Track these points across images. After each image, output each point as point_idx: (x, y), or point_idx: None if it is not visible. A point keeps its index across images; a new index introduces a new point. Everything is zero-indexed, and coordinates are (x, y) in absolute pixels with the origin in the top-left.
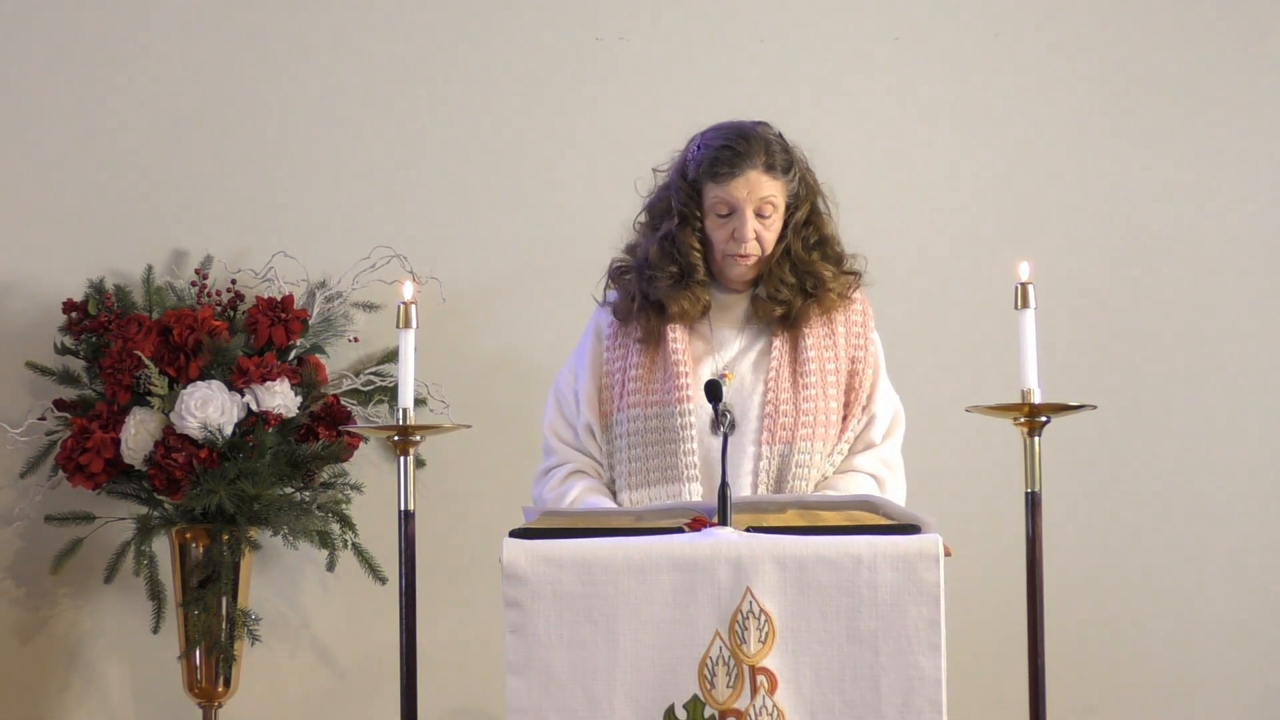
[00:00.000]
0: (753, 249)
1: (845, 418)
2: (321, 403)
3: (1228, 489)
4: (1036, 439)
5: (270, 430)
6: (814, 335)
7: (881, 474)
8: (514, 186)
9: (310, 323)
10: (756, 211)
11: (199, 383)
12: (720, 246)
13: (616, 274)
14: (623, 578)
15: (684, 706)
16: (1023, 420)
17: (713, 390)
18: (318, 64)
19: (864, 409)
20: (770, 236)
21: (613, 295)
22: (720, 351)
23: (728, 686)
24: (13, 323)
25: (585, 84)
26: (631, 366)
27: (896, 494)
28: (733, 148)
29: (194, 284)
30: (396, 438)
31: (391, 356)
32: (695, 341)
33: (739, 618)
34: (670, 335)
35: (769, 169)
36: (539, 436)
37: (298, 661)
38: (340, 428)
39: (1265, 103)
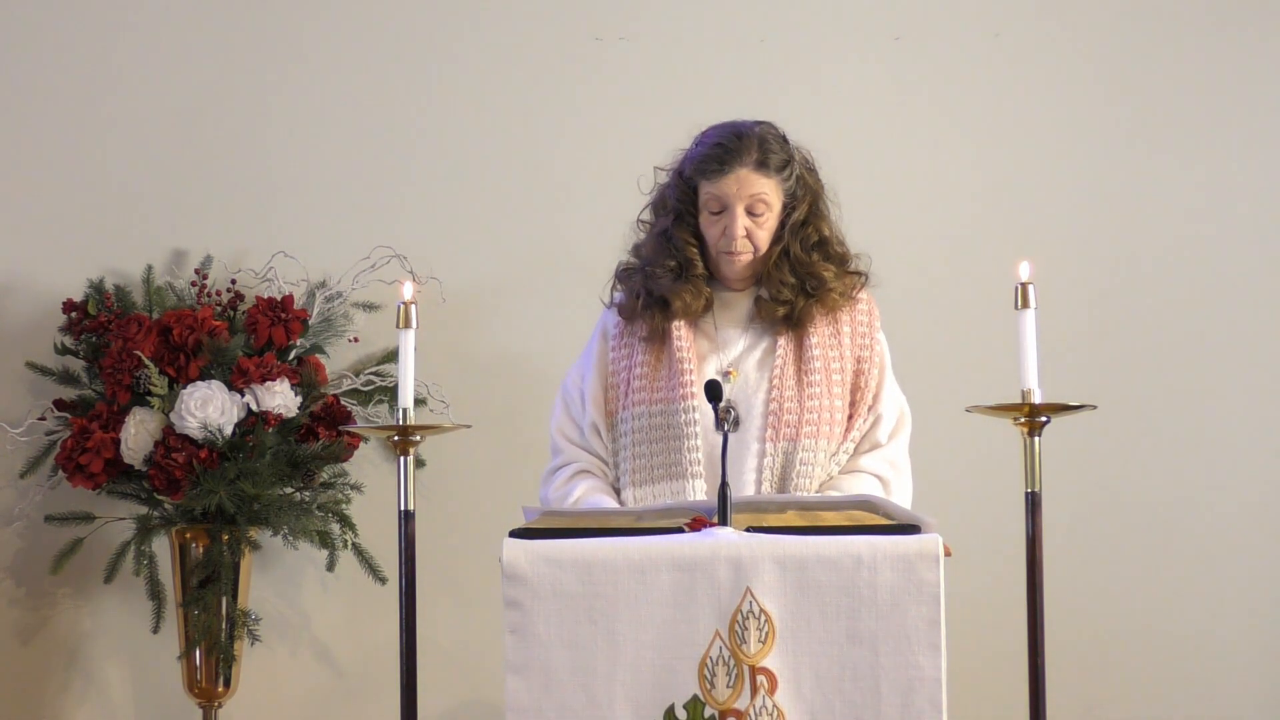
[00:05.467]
0: (744, 247)
1: (850, 417)
2: (321, 403)
3: (1228, 489)
4: (1036, 439)
5: (270, 430)
6: (819, 334)
7: (887, 474)
8: (514, 186)
9: (310, 323)
10: (748, 209)
11: (199, 383)
12: (713, 244)
13: (623, 275)
14: (623, 578)
15: (684, 706)
16: (1023, 420)
17: (712, 390)
18: (317, 64)
19: (869, 408)
20: (764, 235)
21: (619, 296)
22: (725, 350)
23: (728, 686)
24: (13, 323)
25: (585, 84)
26: (637, 365)
27: (902, 494)
28: (724, 145)
29: (194, 284)
30: (396, 438)
31: (391, 356)
32: (700, 340)
33: (739, 618)
34: (675, 333)
35: (761, 167)
36: (539, 436)
37: (298, 661)
38: (340, 428)
39: (1266, 103)
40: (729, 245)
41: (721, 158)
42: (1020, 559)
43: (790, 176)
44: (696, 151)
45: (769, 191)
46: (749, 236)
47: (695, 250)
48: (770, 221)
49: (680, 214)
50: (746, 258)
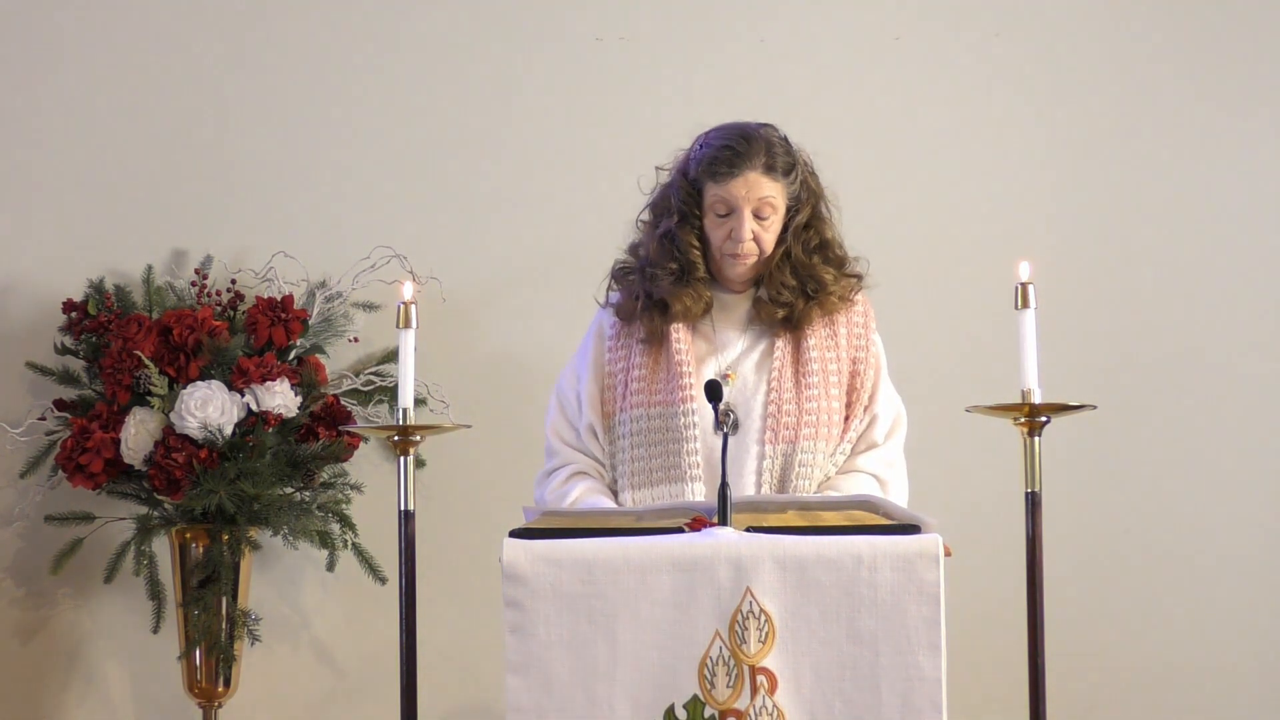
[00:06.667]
0: (750, 249)
1: (847, 418)
2: (321, 403)
3: (1227, 488)
4: (1036, 439)
5: (270, 430)
6: (816, 336)
7: (884, 474)
8: (514, 186)
9: (310, 323)
10: (755, 212)
11: (199, 383)
12: (718, 246)
13: (620, 274)
14: (623, 578)
15: (684, 706)
16: (1023, 420)
17: (712, 390)
18: (318, 65)
19: (866, 409)
20: (769, 238)
21: (615, 296)
22: (723, 352)
23: (728, 686)
24: (13, 323)
25: (585, 84)
26: (634, 367)
27: (899, 494)
28: (733, 148)
29: (194, 284)
30: (396, 438)
31: (391, 356)
32: (698, 342)
33: (739, 618)
34: (673, 335)
35: (769, 170)
36: (539, 436)
37: (298, 661)
38: (340, 428)
39: (1266, 102)
40: (735, 248)
41: (731, 160)
42: (1020, 559)
43: (795, 180)
44: (702, 153)
45: (776, 195)
46: (755, 239)
47: (698, 253)
48: (775, 224)
49: (685, 216)
50: (752, 260)
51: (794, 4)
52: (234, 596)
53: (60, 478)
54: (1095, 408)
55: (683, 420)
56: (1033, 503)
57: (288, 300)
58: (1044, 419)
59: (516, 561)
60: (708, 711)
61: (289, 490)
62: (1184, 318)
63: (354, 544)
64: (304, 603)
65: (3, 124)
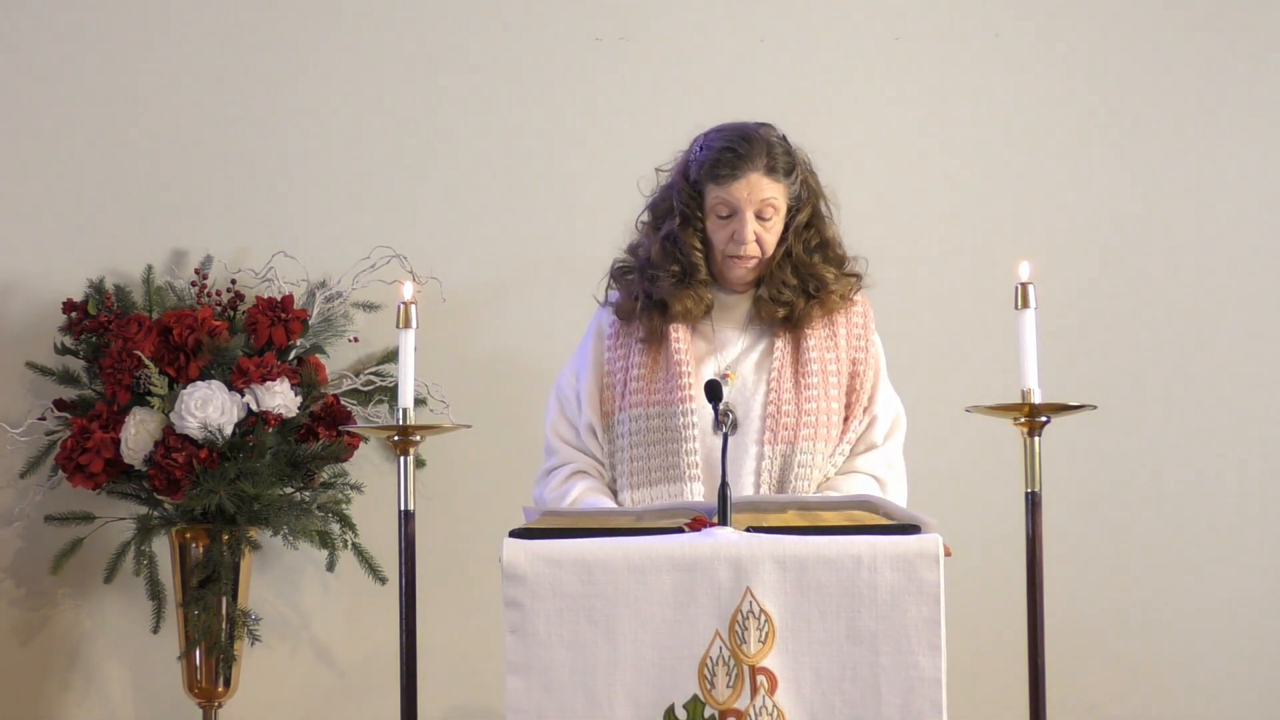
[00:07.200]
0: (753, 251)
1: (846, 419)
2: (321, 403)
3: (1228, 488)
4: (1036, 439)
5: (270, 430)
6: (816, 336)
7: (884, 475)
8: (514, 186)
9: (310, 323)
10: (757, 213)
11: (199, 383)
12: (721, 248)
13: (619, 274)
14: (623, 578)
15: (684, 706)
16: (1023, 420)
17: (712, 390)
18: (318, 64)
19: (865, 410)
20: (771, 239)
21: (614, 295)
22: (723, 352)
23: (728, 686)
24: (13, 323)
25: (585, 84)
26: (634, 366)
27: (898, 495)
28: (734, 149)
29: (194, 284)
30: (396, 438)
31: (391, 356)
32: (698, 341)
33: (739, 618)
34: (673, 335)
35: (770, 171)
36: (539, 436)
37: (298, 661)
38: (340, 428)
39: (1265, 103)
40: (738, 250)
41: (733, 162)
42: (1020, 559)
43: (796, 180)
44: (703, 155)
45: (778, 195)
46: (758, 240)
47: (701, 255)
48: (777, 225)
49: (687, 218)
50: (754, 261)
51: (794, 4)
52: (234, 596)
53: (60, 478)
54: (1095, 408)
55: (682, 420)
56: (1033, 503)
57: (288, 300)
58: (1044, 419)
59: (516, 561)
60: (708, 711)
61: (289, 490)
62: (1184, 318)
63: (354, 544)
64: (304, 603)
65: (3, 124)
